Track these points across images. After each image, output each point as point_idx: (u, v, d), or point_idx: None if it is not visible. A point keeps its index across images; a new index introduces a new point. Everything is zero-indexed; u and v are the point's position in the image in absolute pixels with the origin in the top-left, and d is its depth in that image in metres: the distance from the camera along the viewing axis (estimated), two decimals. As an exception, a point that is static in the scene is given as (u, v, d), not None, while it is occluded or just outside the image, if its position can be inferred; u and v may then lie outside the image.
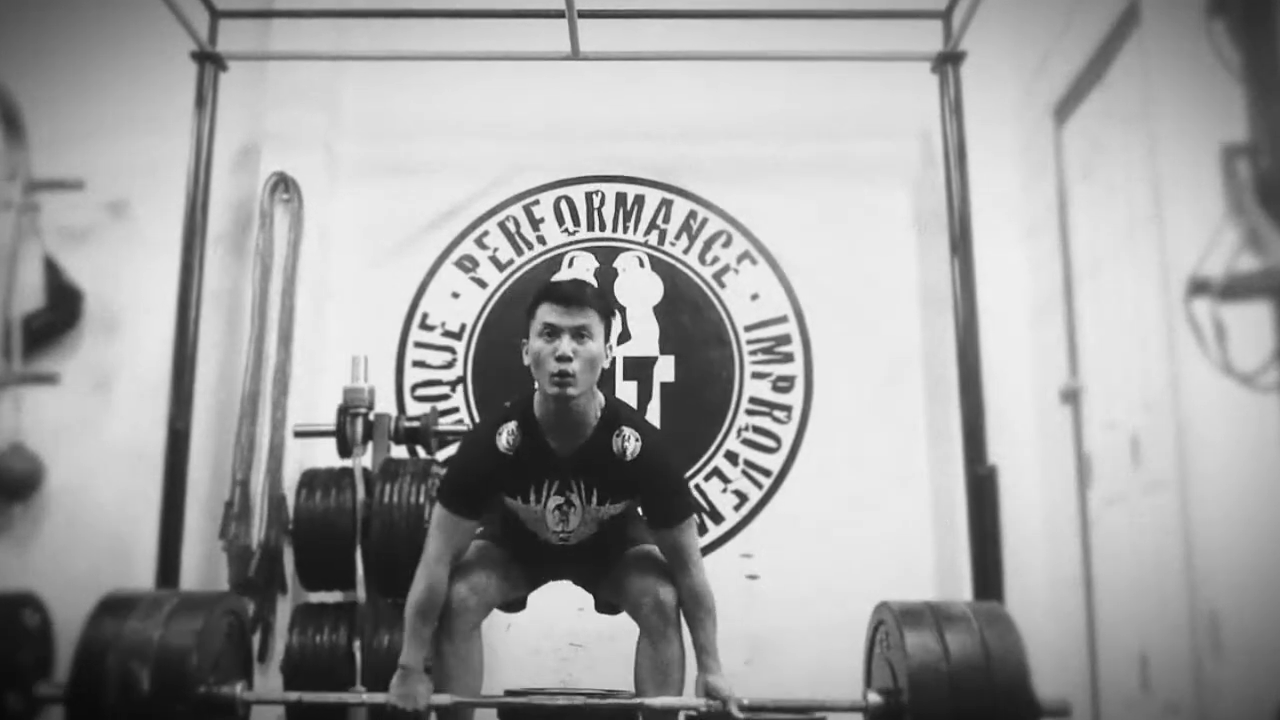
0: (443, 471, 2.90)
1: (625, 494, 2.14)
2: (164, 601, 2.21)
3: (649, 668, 2.19)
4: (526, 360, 2.09)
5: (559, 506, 2.14)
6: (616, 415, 2.13)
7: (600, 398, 2.13)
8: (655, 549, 2.25)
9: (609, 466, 2.11)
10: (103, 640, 2.07)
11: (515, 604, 2.39)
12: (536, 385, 2.08)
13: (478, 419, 3.59)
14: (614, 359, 2.23)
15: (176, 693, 2.03)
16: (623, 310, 3.66)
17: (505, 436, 2.10)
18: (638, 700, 2.16)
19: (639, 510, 2.27)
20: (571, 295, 2.05)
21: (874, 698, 2.15)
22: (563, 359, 2.00)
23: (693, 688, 2.17)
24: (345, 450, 3.05)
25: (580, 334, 2.02)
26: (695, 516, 2.21)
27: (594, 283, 2.30)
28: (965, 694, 2.00)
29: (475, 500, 2.14)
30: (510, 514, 2.22)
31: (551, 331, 2.02)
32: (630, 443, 2.09)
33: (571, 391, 2.02)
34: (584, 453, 2.11)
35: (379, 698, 2.18)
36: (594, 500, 2.14)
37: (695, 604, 2.16)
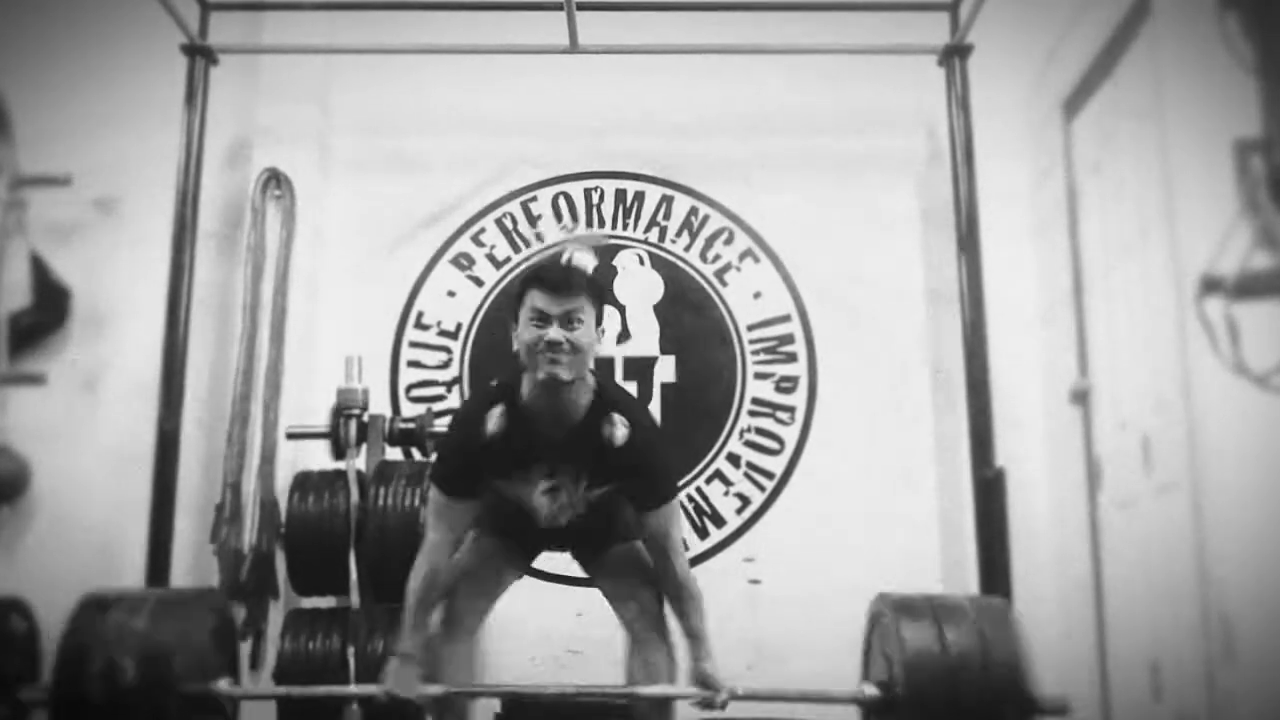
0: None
1: (612, 478, 2.10)
2: (146, 600, 2.18)
3: (639, 674, 2.18)
4: (515, 347, 2.03)
5: (548, 490, 2.11)
6: (606, 400, 2.08)
7: (591, 381, 2.07)
8: (639, 545, 2.22)
9: (597, 452, 2.06)
10: (85, 640, 2.04)
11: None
12: (525, 370, 2.03)
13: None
14: (613, 358, 2.23)
15: (161, 691, 1.99)
16: (622, 309, 3.62)
17: (493, 421, 2.05)
18: (630, 690, 2.15)
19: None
20: (561, 281, 1.99)
21: (870, 690, 2.12)
22: (553, 345, 1.94)
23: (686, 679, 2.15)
24: (339, 452, 3.02)
25: (570, 320, 1.96)
26: (677, 502, 2.18)
27: (590, 260, 2.26)
28: (962, 688, 1.96)
29: (468, 483, 2.11)
30: (500, 495, 2.19)
31: (541, 318, 1.96)
32: (619, 429, 2.04)
33: (563, 378, 1.96)
34: (572, 437, 2.06)
35: (371, 689, 2.15)
36: (582, 485, 2.11)
37: (678, 592, 2.14)
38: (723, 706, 2.10)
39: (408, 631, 2.14)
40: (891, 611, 2.09)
